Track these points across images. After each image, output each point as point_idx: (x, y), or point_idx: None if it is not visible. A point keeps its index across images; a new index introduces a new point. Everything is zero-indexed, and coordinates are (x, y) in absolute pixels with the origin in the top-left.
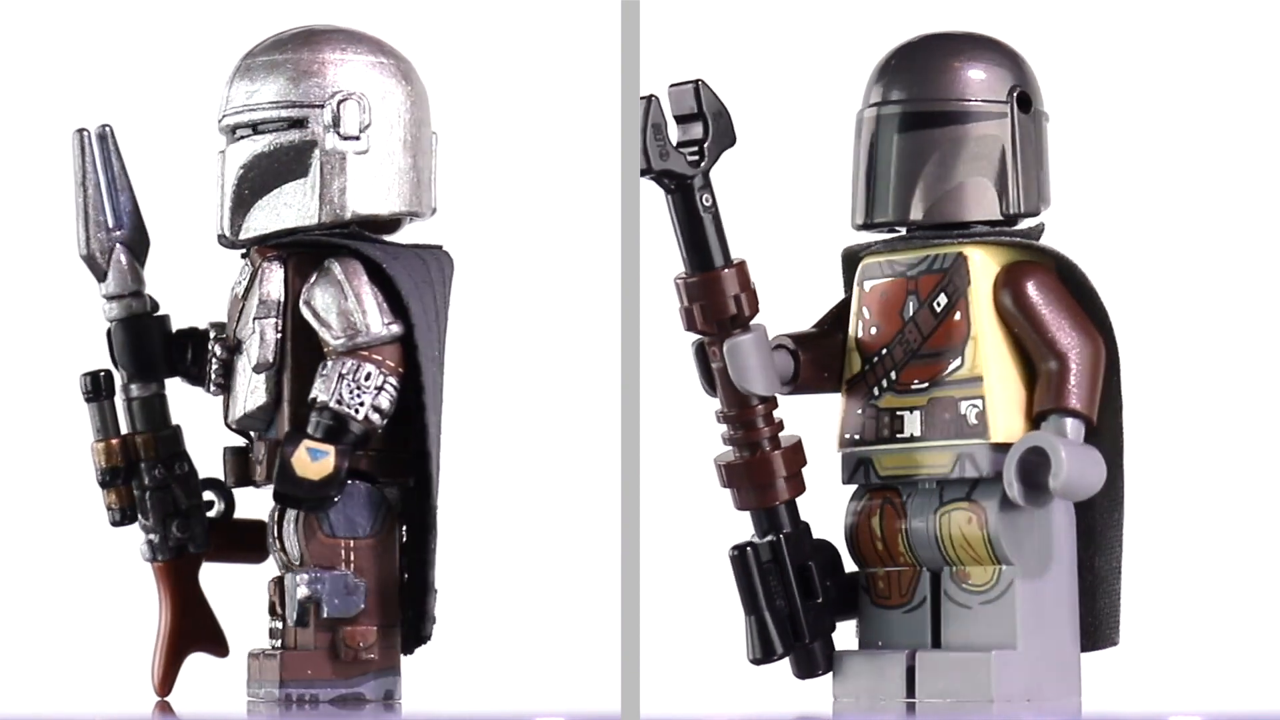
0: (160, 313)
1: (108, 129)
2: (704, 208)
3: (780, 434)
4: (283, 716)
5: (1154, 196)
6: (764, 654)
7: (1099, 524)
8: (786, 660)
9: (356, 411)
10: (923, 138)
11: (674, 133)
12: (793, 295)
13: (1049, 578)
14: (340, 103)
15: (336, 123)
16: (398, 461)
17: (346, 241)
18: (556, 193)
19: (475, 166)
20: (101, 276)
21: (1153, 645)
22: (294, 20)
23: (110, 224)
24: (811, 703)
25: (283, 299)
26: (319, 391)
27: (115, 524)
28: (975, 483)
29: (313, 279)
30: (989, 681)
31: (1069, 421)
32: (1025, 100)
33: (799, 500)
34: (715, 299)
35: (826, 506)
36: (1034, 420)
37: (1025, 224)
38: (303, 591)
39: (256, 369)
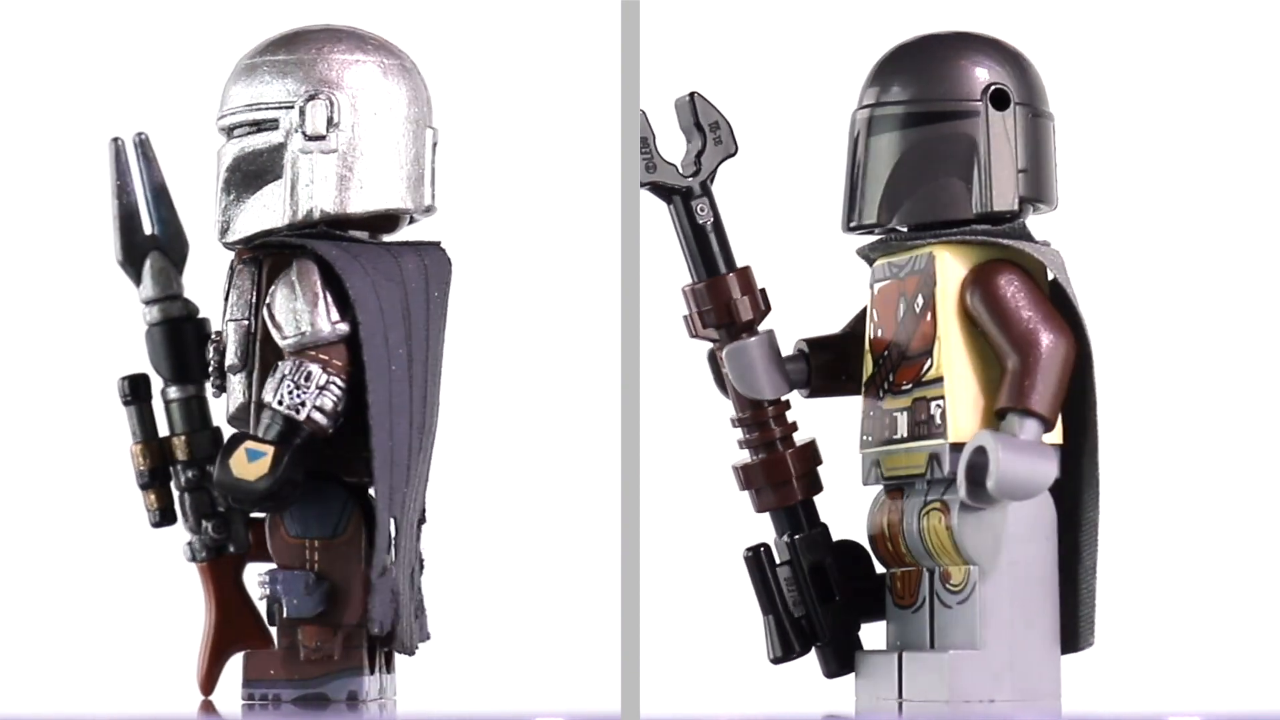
0: (199, 316)
1: (143, 136)
2: (699, 216)
3: (794, 434)
4: (244, 716)
5: (1158, 196)
6: (782, 653)
7: (1074, 523)
8: (807, 658)
9: (298, 412)
10: (896, 140)
11: (682, 144)
12: (793, 295)
13: (1016, 578)
14: (306, 102)
15: (303, 123)
16: (362, 461)
17: (304, 241)
18: (557, 193)
19: (475, 166)
20: (138, 282)
21: (1153, 645)
22: (302, 20)
23: (147, 230)
24: (812, 703)
25: (253, 301)
26: (266, 392)
27: (155, 525)
28: (948, 483)
29: (277, 281)
30: (947, 682)
31: (1023, 421)
32: (1000, 98)
33: (820, 501)
34: (713, 305)
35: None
36: (997, 419)
37: (1033, 219)
38: (262, 591)
39: (230, 370)
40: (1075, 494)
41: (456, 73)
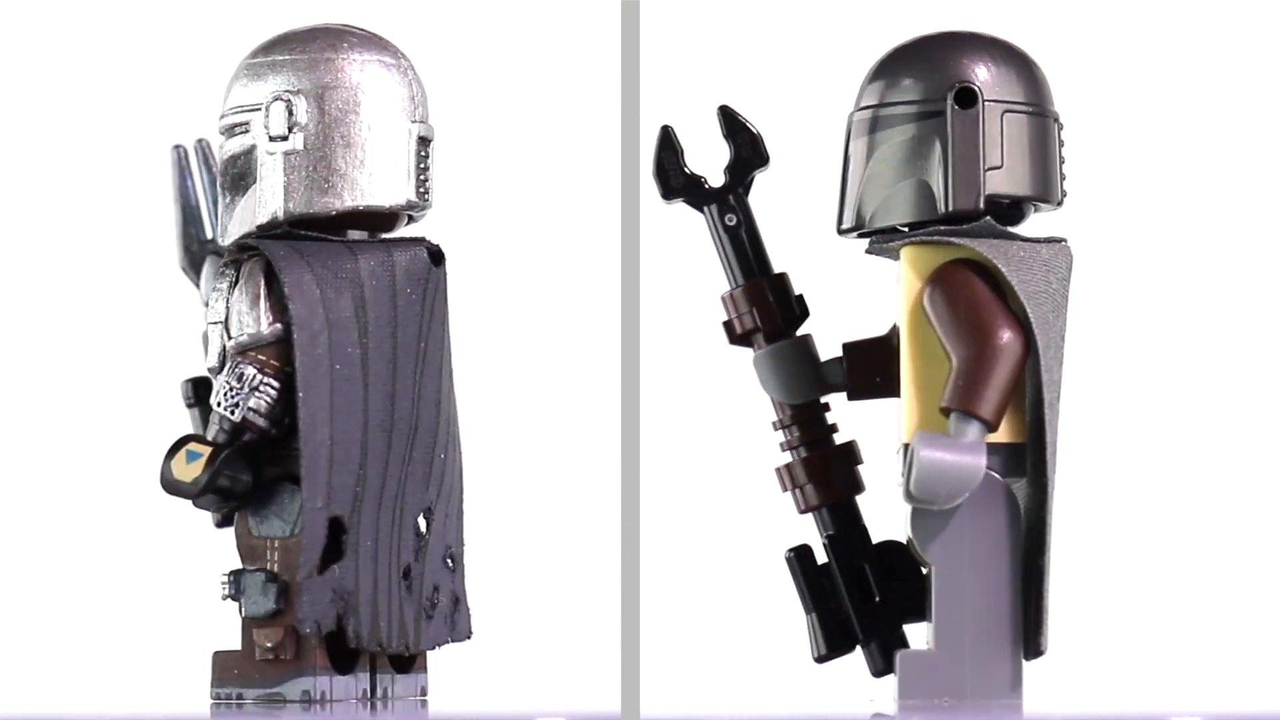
0: None
1: (204, 142)
2: (725, 227)
3: (833, 435)
4: (212, 717)
5: (1161, 196)
6: (826, 651)
7: (1028, 525)
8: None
9: (232, 413)
10: (868, 143)
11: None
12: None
13: (971, 578)
14: (269, 104)
15: (267, 125)
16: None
17: (259, 242)
18: (557, 193)
19: (475, 167)
20: (199, 285)
21: (1153, 645)
22: (309, 20)
23: (207, 234)
24: (811, 704)
25: (228, 304)
26: (214, 395)
27: (219, 526)
28: None
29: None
30: (896, 682)
31: (963, 422)
32: (964, 96)
33: (861, 502)
34: (747, 309)
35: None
36: (944, 419)
37: (1039, 217)
38: (222, 591)
39: (210, 372)
40: (1028, 494)
41: (456, 73)
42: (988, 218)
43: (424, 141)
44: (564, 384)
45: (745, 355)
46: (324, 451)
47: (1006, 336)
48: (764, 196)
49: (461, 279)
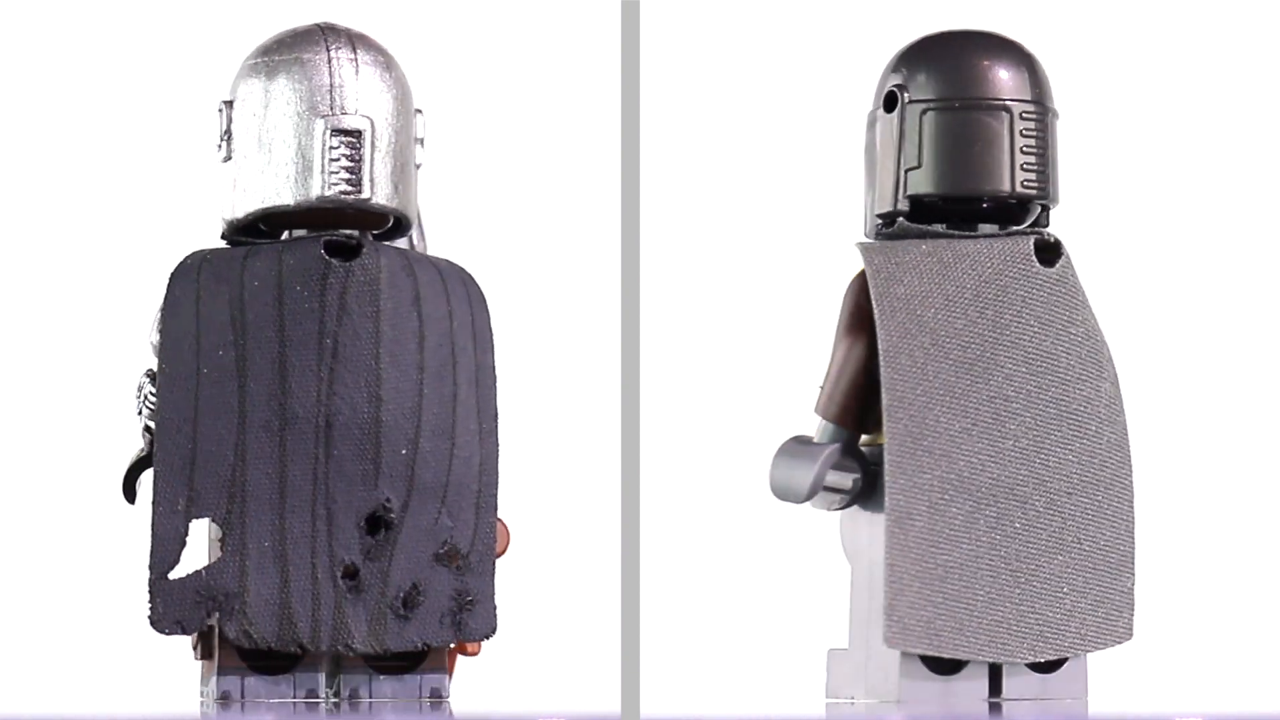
0: None
1: None
2: None
3: None
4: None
5: (1161, 195)
6: None
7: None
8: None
9: (140, 421)
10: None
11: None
12: (794, 296)
13: (871, 577)
14: (217, 115)
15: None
16: None
17: (191, 252)
18: (557, 193)
19: (474, 167)
20: None
21: (1154, 646)
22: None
23: None
24: (811, 703)
25: None
26: None
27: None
28: None
29: None
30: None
31: (819, 424)
32: (888, 100)
33: None
34: None
35: None
36: None
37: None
38: None
39: None
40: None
41: (456, 73)
42: (899, 219)
43: (341, 133)
44: (564, 384)
45: (744, 354)
46: (184, 454)
47: (848, 342)
48: (765, 196)
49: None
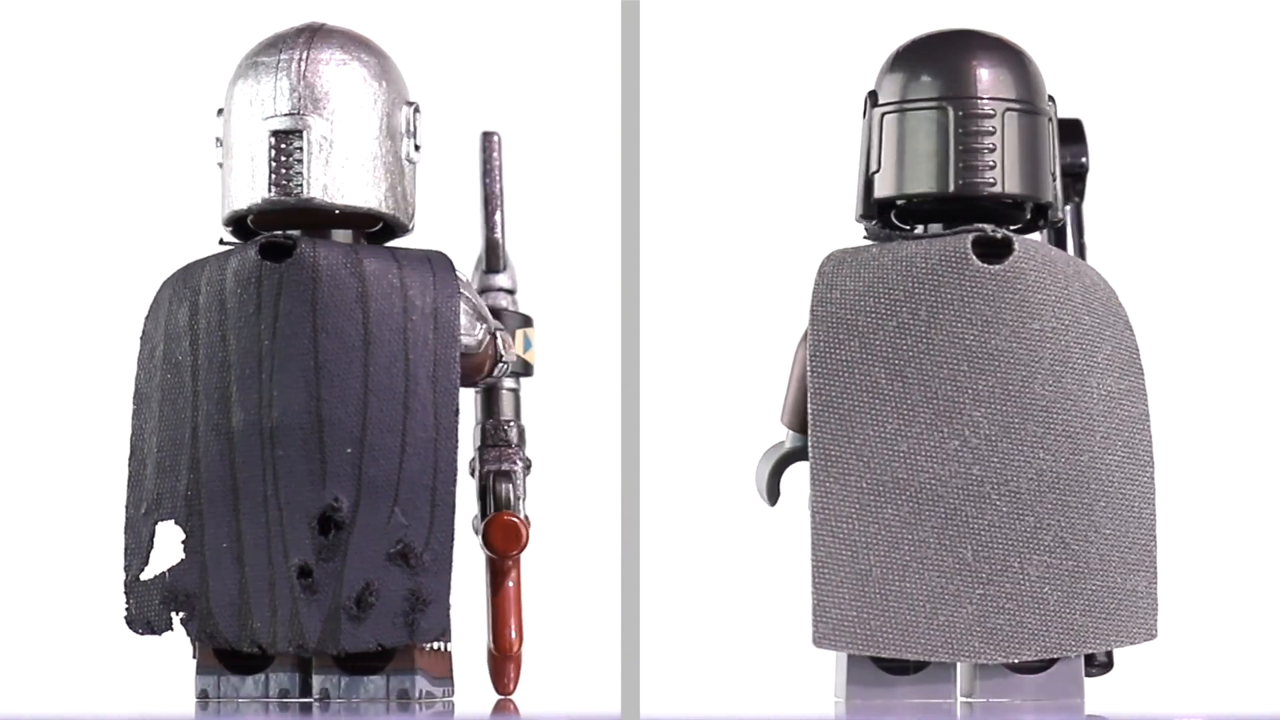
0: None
1: (498, 136)
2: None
3: None
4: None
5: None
6: None
7: None
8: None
9: None
10: None
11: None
12: (794, 296)
13: None
14: None
15: None
16: None
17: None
18: (556, 192)
19: (473, 166)
20: (498, 266)
21: (1155, 646)
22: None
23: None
24: (811, 703)
25: None
26: None
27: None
28: None
29: None
30: None
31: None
32: (862, 107)
33: None
34: None
35: None
36: None
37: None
38: None
39: None
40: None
41: (456, 73)
42: (869, 222)
43: (280, 134)
44: (564, 383)
45: (744, 354)
46: (150, 460)
47: (799, 351)
48: (765, 196)
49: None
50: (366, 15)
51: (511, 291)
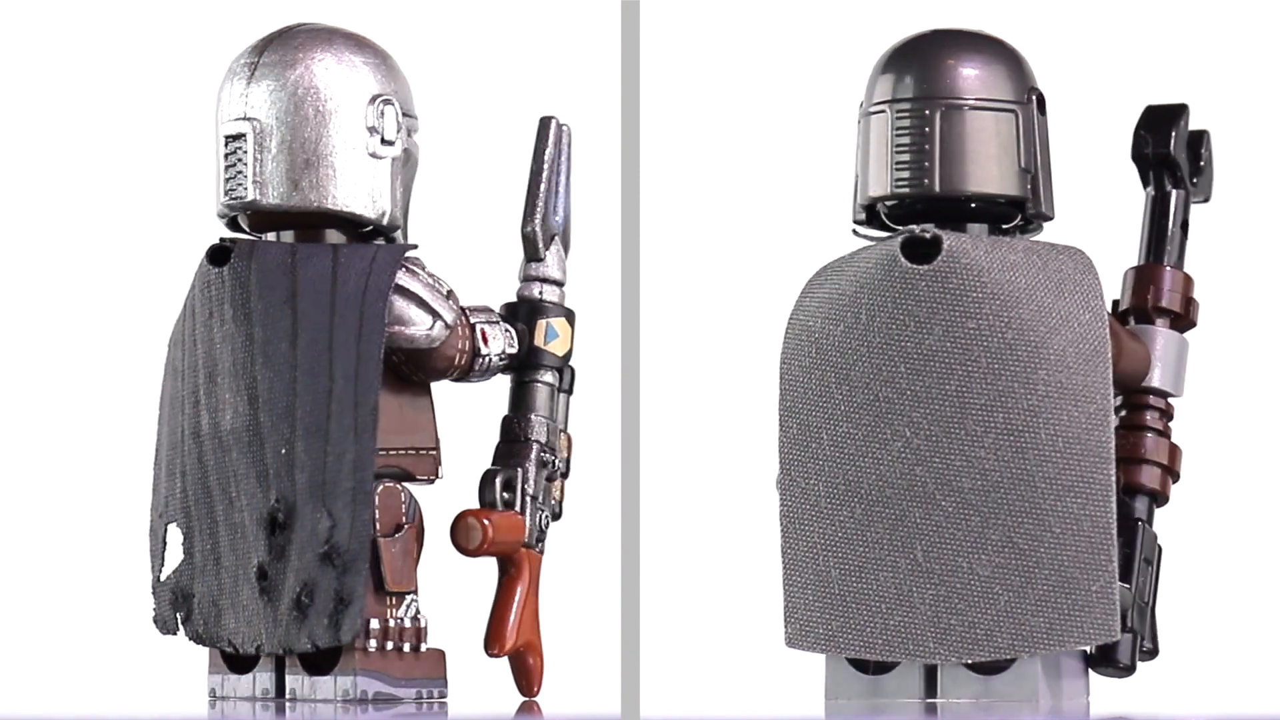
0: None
1: (568, 127)
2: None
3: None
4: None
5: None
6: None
7: None
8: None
9: None
10: None
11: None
12: (793, 292)
13: None
14: None
15: None
16: None
17: None
18: None
19: (474, 167)
20: (532, 256)
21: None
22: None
23: (555, 211)
24: (811, 703)
25: None
26: None
27: (558, 518)
28: None
29: None
30: None
31: None
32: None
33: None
34: (1180, 293)
35: None
36: None
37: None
38: None
39: None
40: None
41: (455, 73)
42: (863, 227)
43: (230, 139)
44: None
45: (744, 354)
46: (162, 465)
47: None
48: (765, 194)
49: (461, 278)
50: (366, 15)
51: (546, 280)
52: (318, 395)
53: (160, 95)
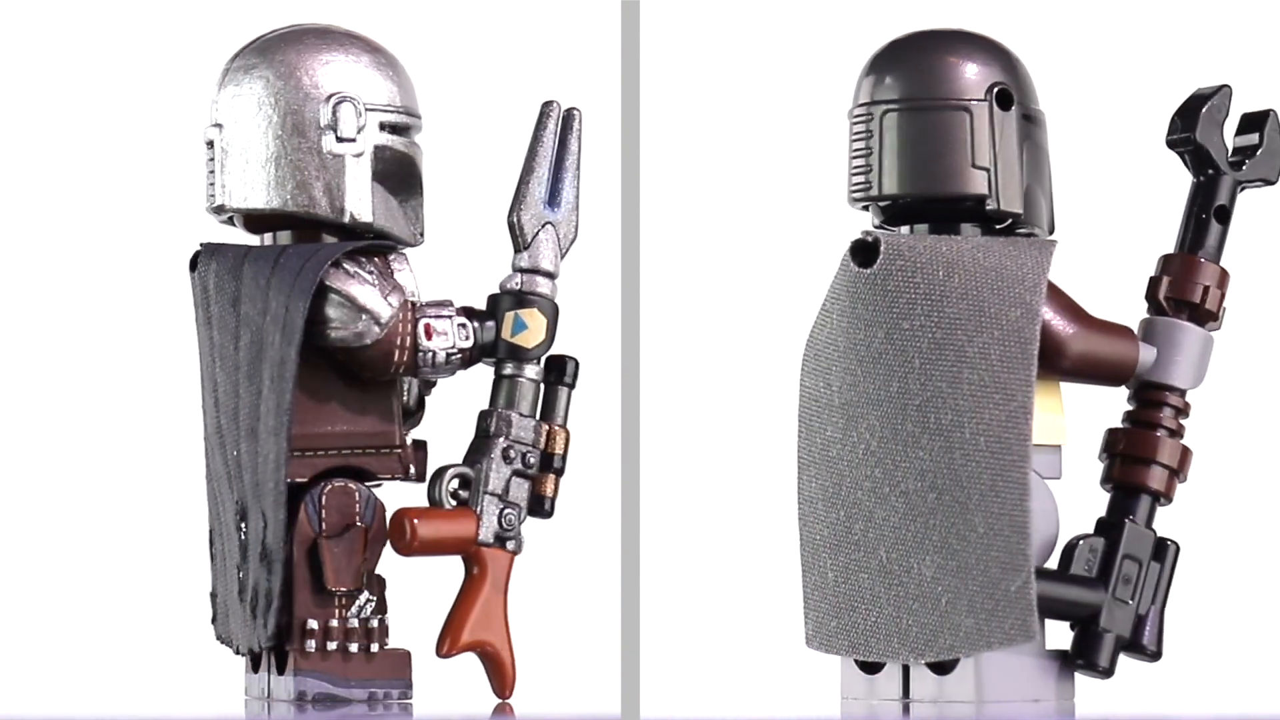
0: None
1: (576, 111)
2: (1217, 199)
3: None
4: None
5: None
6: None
7: None
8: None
9: None
10: None
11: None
12: (794, 292)
13: None
14: None
15: None
16: None
17: None
18: None
19: (474, 167)
20: (519, 247)
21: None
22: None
23: (544, 200)
24: (811, 704)
25: None
26: None
27: (550, 515)
28: None
29: None
30: None
31: None
32: None
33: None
34: (1217, 287)
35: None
36: None
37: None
38: None
39: None
40: None
41: (455, 73)
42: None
43: (206, 145)
44: None
45: (744, 354)
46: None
47: None
48: (766, 194)
49: (462, 278)
50: (367, 15)
51: (529, 270)
52: (253, 397)
53: (165, 97)
